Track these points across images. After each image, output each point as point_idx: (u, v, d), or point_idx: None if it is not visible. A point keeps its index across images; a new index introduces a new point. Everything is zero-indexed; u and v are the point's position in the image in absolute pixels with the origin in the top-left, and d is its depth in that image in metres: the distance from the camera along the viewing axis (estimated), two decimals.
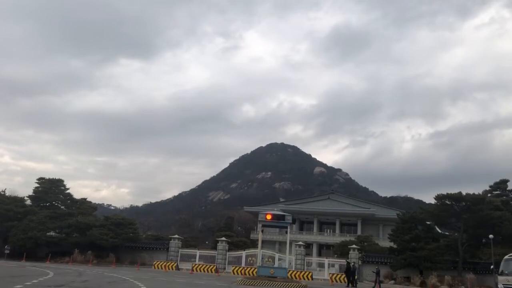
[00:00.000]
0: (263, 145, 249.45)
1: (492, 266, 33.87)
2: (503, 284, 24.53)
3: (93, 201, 64.73)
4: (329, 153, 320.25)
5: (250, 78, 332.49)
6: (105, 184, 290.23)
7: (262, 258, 39.65)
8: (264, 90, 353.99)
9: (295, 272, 39.74)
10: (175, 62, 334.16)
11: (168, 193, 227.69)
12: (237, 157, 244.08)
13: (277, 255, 47.07)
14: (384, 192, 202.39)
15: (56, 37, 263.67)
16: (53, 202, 56.30)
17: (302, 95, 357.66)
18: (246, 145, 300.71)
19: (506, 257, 25.89)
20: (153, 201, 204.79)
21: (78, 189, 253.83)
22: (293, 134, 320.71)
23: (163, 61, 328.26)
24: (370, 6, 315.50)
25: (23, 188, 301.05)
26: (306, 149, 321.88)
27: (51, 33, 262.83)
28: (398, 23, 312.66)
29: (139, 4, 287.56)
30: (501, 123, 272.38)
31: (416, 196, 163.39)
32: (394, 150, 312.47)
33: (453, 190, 44.15)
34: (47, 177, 56.97)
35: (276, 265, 42.17)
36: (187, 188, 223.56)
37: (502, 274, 24.89)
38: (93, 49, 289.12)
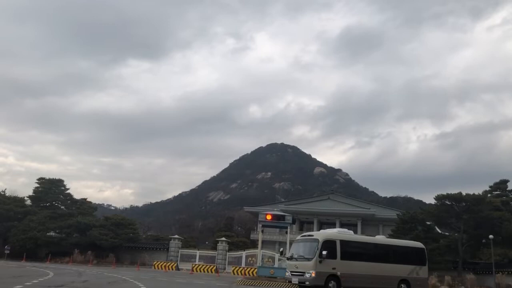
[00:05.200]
0: (263, 145, 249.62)
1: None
2: (291, 272, 20.56)
3: (95, 202, 64.92)
4: (335, 154, 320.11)
5: (258, 79, 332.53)
6: (109, 184, 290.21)
7: (262, 258, 39.63)
8: (272, 91, 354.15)
9: None
10: (185, 63, 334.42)
11: (172, 194, 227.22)
12: (237, 157, 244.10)
13: (277, 256, 47.02)
14: (385, 193, 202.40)
15: (64, 38, 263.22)
16: (53, 202, 56.34)
17: (310, 96, 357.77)
18: (252, 146, 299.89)
19: (299, 237, 22.28)
20: (153, 201, 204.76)
21: (82, 189, 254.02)
22: (300, 135, 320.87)
23: (172, 62, 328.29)
24: (382, 7, 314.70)
25: (26, 189, 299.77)
26: (312, 150, 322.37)
27: (59, 33, 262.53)
28: (409, 24, 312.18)
29: (150, 5, 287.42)
30: (508, 124, 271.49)
31: (417, 196, 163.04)
32: (399, 151, 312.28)
33: (456, 191, 44.15)
34: (50, 177, 57.11)
35: (276, 265, 42.15)
36: (191, 189, 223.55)
37: (291, 259, 20.96)
38: (102, 50, 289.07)
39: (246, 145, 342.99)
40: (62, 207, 56.41)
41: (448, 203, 43.83)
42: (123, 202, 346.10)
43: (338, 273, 19.59)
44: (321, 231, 22.93)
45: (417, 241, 41.75)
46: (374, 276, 20.90)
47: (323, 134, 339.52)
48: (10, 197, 53.74)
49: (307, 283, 19.35)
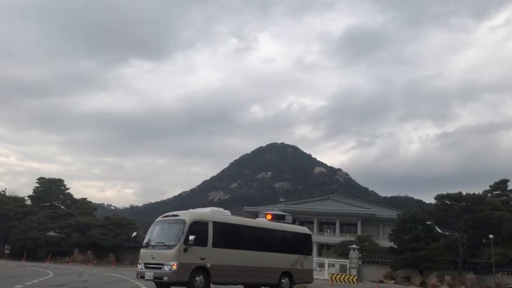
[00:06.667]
0: (263, 145, 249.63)
1: None
2: (144, 264, 15.59)
3: (96, 202, 64.96)
4: (336, 154, 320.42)
5: (261, 79, 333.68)
6: (110, 184, 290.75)
7: None
8: (274, 91, 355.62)
9: None
10: (187, 63, 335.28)
11: (173, 194, 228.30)
12: (237, 157, 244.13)
13: None
14: (385, 192, 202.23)
15: (66, 38, 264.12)
16: (53, 202, 56.35)
17: (312, 96, 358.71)
18: (253, 146, 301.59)
19: (159, 218, 16.96)
20: (154, 201, 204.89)
21: (83, 189, 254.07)
22: (301, 135, 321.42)
23: (174, 62, 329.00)
24: (384, 7, 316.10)
25: (27, 189, 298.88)
26: (313, 150, 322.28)
27: (61, 34, 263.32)
28: (412, 24, 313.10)
29: (153, 5, 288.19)
30: (509, 124, 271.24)
31: (417, 196, 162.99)
32: (400, 151, 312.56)
33: (457, 191, 44.12)
34: (50, 177, 57.12)
35: None
36: (191, 188, 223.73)
37: (147, 246, 16.07)
38: (104, 50, 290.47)
39: (248, 145, 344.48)
40: (62, 207, 56.42)
41: (448, 202, 43.81)
42: (124, 202, 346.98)
43: (208, 265, 15.26)
44: (190, 210, 18.38)
45: (417, 241, 42.08)
46: (253, 269, 17.13)
47: (325, 134, 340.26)
48: (10, 197, 53.74)
49: (165, 278, 14.55)
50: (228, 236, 16.52)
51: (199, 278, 14.97)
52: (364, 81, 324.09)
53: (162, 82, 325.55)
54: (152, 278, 15.01)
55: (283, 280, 18.28)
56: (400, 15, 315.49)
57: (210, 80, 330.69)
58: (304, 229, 21.75)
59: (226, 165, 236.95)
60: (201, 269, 15.11)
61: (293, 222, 36.86)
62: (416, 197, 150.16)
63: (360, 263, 44.75)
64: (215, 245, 15.68)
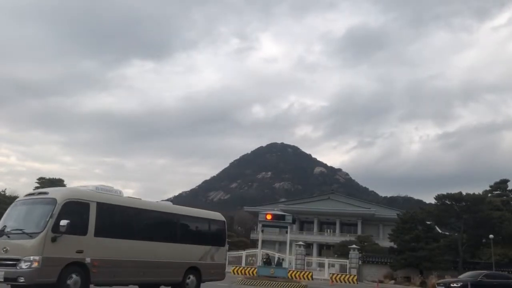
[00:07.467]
0: (264, 145, 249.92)
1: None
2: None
3: None
4: (337, 154, 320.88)
5: (262, 79, 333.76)
6: (110, 184, 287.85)
7: (262, 258, 39.64)
8: (276, 91, 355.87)
9: (295, 272, 39.75)
10: (188, 63, 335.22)
11: (173, 194, 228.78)
12: (237, 157, 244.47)
13: (277, 255, 47.05)
14: (385, 192, 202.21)
15: (68, 37, 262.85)
16: None
17: (313, 96, 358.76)
18: (254, 146, 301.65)
19: (21, 197, 13.34)
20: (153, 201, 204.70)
21: None
22: (302, 135, 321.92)
23: (176, 62, 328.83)
24: (387, 7, 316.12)
25: (28, 189, 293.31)
26: (314, 150, 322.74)
27: (63, 33, 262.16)
28: (414, 24, 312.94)
29: (155, 5, 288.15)
30: (510, 124, 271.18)
31: (417, 196, 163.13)
32: (401, 151, 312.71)
33: (457, 191, 44.17)
34: (50, 177, 57.19)
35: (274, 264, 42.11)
36: (191, 188, 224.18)
37: (0, 235, 11.38)
38: (106, 50, 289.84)
39: (248, 145, 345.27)
40: None
41: (448, 202, 43.89)
42: None
43: (87, 260, 11.64)
44: (65, 187, 13.40)
45: (417, 241, 42.06)
46: (150, 264, 13.62)
47: (326, 134, 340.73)
48: (10, 196, 53.74)
49: (21, 280, 10.57)
50: (118, 222, 13.09)
51: (73, 279, 11.33)
52: (366, 81, 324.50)
53: (163, 82, 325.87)
54: (2, 280, 10.84)
55: (188, 278, 15.02)
56: (402, 15, 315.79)
57: (211, 80, 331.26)
58: (217, 215, 17.55)
59: (226, 165, 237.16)
60: (76, 266, 11.48)
61: (293, 222, 36.93)
62: (416, 197, 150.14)
63: (360, 263, 44.77)
64: (98, 233, 12.11)
